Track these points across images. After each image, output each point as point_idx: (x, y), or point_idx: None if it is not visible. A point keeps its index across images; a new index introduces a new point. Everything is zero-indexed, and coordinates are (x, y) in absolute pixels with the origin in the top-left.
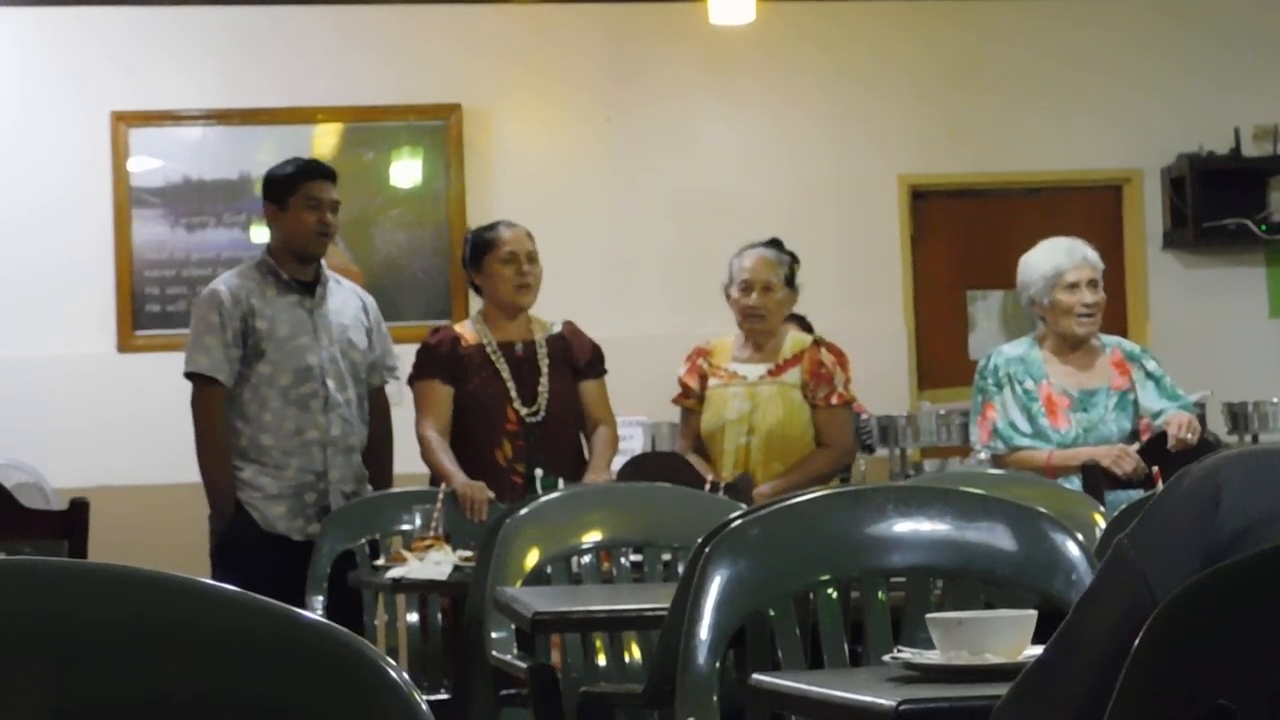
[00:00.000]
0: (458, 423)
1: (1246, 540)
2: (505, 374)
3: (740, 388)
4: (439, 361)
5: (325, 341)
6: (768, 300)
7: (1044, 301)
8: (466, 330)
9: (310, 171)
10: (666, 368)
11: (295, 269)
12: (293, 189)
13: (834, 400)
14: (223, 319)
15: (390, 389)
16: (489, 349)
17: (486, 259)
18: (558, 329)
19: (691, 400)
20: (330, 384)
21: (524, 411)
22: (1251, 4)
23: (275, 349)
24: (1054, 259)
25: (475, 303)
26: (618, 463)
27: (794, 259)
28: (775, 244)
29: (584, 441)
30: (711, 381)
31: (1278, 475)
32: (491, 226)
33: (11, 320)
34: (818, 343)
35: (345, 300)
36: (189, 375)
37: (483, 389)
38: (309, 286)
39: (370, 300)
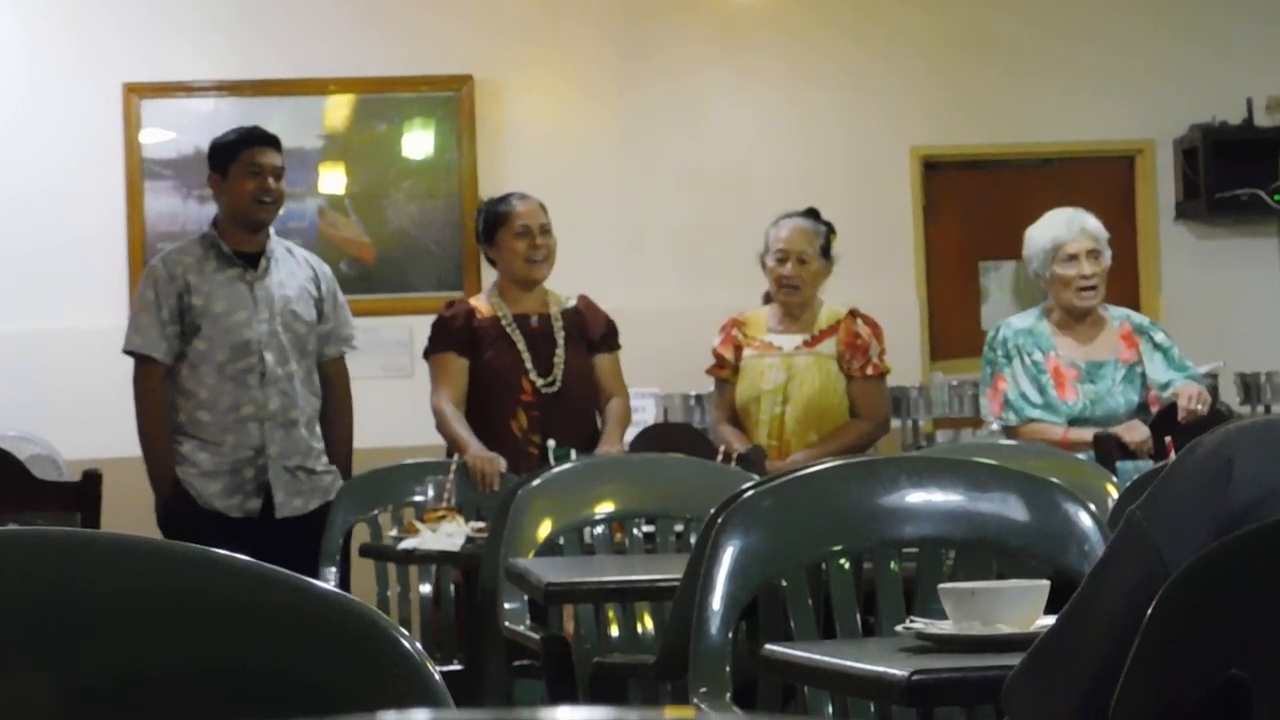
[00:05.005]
0: (473, 394)
1: (1259, 511)
2: (520, 345)
3: (776, 358)
4: (453, 333)
5: (266, 315)
6: (803, 271)
7: (1045, 275)
8: (481, 303)
9: (251, 139)
10: (678, 340)
11: (241, 239)
12: (233, 157)
13: (869, 371)
14: (158, 296)
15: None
16: (504, 321)
17: (499, 233)
18: (573, 303)
19: (726, 371)
20: (269, 358)
21: (539, 382)
22: None
23: (211, 325)
24: (1053, 231)
25: (488, 274)
26: (630, 434)
27: (830, 229)
28: (812, 214)
29: (598, 415)
30: (747, 352)
31: None
32: (504, 199)
33: (24, 293)
34: (853, 313)
35: (293, 271)
36: (127, 353)
37: (498, 360)
38: (253, 259)
39: (325, 270)
